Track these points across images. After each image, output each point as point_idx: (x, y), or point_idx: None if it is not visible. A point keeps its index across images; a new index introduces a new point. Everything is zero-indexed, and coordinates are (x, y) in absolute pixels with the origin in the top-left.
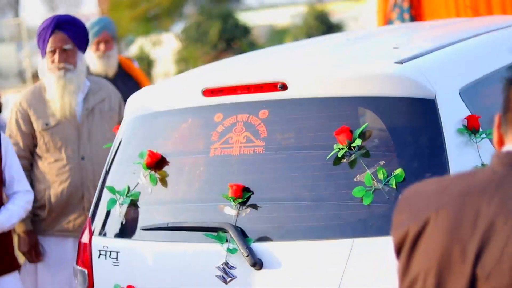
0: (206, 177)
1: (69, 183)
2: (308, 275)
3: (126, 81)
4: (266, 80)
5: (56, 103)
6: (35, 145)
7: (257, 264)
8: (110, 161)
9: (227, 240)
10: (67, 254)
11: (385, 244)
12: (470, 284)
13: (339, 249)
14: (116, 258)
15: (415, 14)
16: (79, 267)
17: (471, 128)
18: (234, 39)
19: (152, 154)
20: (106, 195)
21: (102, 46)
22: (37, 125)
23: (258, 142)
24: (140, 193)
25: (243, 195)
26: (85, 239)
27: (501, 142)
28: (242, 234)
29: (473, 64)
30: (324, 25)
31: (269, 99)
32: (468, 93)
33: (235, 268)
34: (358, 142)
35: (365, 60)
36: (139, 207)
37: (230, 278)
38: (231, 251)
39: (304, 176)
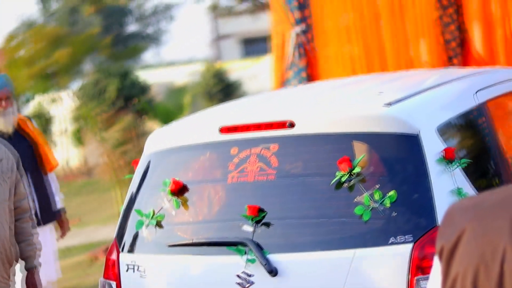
0: (224, 200)
1: None
2: (317, 280)
3: (22, 140)
4: (277, 120)
5: None
6: None
7: (273, 271)
8: (136, 190)
9: (245, 253)
10: None
11: (381, 253)
12: (499, 279)
13: (342, 258)
14: (144, 271)
15: (311, 73)
16: (107, 280)
17: (448, 158)
18: (132, 97)
19: (175, 182)
20: (132, 218)
21: (3, 103)
22: None
23: (270, 170)
24: (164, 215)
25: (259, 215)
26: (113, 256)
27: None
28: (259, 247)
29: (446, 106)
30: (221, 83)
31: (279, 135)
32: (443, 130)
33: (253, 275)
34: (357, 169)
35: (358, 103)
36: (163, 227)
37: (248, 284)
38: (250, 261)
39: (311, 198)
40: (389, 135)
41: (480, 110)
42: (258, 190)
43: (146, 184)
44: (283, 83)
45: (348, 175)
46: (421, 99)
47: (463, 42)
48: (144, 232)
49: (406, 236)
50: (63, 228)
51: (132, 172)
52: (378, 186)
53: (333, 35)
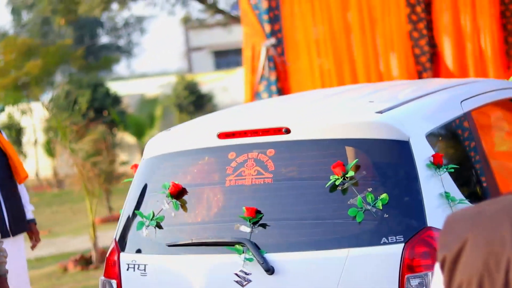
0: (223, 202)
1: None
2: (312, 278)
3: None
4: (273, 126)
5: None
6: None
7: (270, 269)
8: (135, 193)
9: (243, 252)
10: None
11: (373, 253)
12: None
13: (337, 258)
14: (144, 270)
15: (282, 86)
16: (107, 279)
17: (436, 163)
18: (104, 108)
19: (175, 185)
20: (132, 220)
21: None
22: None
23: (267, 174)
24: (164, 216)
25: (256, 216)
26: (113, 256)
27: None
28: (257, 247)
29: (434, 114)
30: (193, 95)
31: (276, 141)
32: (431, 137)
33: (250, 274)
34: (351, 173)
35: (351, 110)
36: (163, 228)
37: (246, 282)
38: (248, 260)
39: (306, 200)
40: (381, 141)
41: (465, 119)
42: (255, 193)
43: (145, 187)
44: (254, 96)
45: (342, 179)
46: (410, 107)
47: (433, 56)
48: (144, 233)
49: (397, 237)
50: (33, 239)
51: (131, 176)
52: (370, 189)
53: (304, 48)
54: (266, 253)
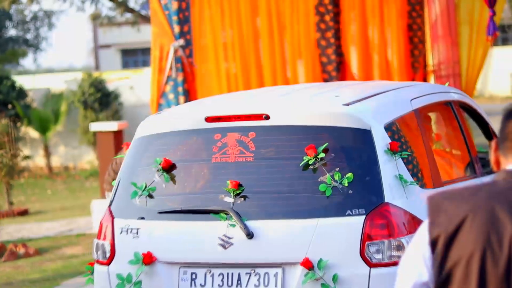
0: (209, 177)
1: None
2: (286, 242)
3: None
4: (255, 112)
5: None
6: None
7: (250, 234)
8: (128, 167)
9: (227, 219)
10: None
11: (339, 223)
12: (507, 263)
13: (308, 226)
14: (137, 233)
15: (189, 88)
16: (101, 241)
17: (393, 150)
18: (9, 101)
19: (166, 160)
20: (125, 190)
21: None
22: None
23: (248, 153)
24: (156, 188)
25: (239, 188)
26: (107, 221)
27: (498, 163)
28: (239, 215)
29: (390, 109)
30: (99, 92)
31: (257, 125)
32: (388, 127)
33: (232, 238)
34: (321, 155)
35: (322, 102)
36: (154, 197)
37: (228, 245)
38: (231, 226)
39: (282, 177)
40: (347, 128)
41: (414, 114)
42: (238, 169)
43: (138, 162)
44: (160, 96)
45: (313, 159)
46: (371, 102)
47: (340, 65)
48: (137, 201)
49: (359, 210)
50: None
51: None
52: (338, 169)
53: (212, 51)
54: (246, 220)
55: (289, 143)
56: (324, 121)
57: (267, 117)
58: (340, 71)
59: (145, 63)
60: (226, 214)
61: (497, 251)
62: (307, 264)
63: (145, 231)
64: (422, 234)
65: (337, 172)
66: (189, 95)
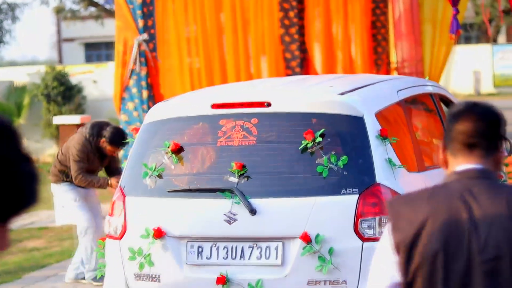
0: (215, 159)
1: None
2: (286, 218)
3: None
4: (257, 100)
5: None
6: None
7: (253, 211)
8: (138, 149)
9: (231, 197)
10: None
11: (335, 201)
12: (467, 260)
13: (306, 204)
14: (147, 210)
15: (152, 82)
16: (113, 218)
17: (383, 136)
18: None
19: (175, 143)
20: (136, 170)
21: None
22: None
23: (251, 138)
24: (165, 168)
25: (243, 169)
26: (120, 198)
27: (446, 162)
28: (242, 194)
29: (380, 99)
30: (62, 86)
31: (259, 112)
32: (378, 115)
33: (236, 214)
34: (319, 139)
35: (318, 91)
36: (163, 178)
37: (233, 221)
38: (236, 203)
39: (283, 159)
40: (342, 115)
41: (400, 104)
42: (242, 152)
43: (147, 145)
44: (124, 89)
45: (311, 143)
46: (362, 92)
47: (304, 61)
48: (147, 181)
49: (353, 189)
50: None
51: (132, 137)
52: (333, 152)
53: (175, 46)
54: (250, 198)
55: (289, 128)
56: (321, 108)
57: (269, 105)
58: (304, 67)
59: (109, 57)
60: (231, 192)
61: (458, 248)
62: (306, 238)
63: (155, 209)
64: (386, 238)
65: (333, 155)
66: (152, 89)
